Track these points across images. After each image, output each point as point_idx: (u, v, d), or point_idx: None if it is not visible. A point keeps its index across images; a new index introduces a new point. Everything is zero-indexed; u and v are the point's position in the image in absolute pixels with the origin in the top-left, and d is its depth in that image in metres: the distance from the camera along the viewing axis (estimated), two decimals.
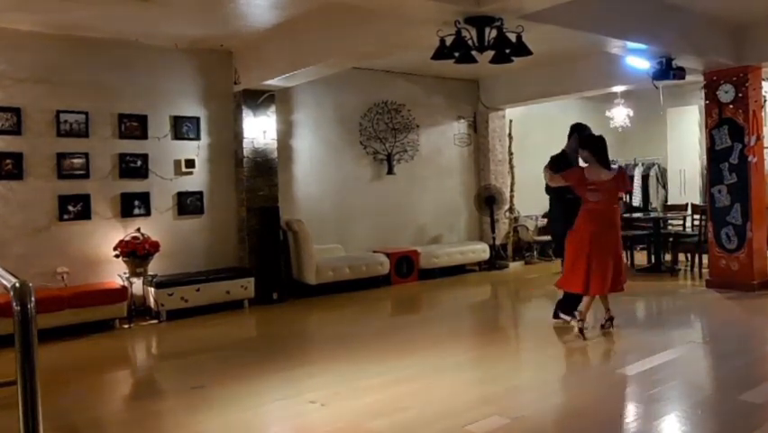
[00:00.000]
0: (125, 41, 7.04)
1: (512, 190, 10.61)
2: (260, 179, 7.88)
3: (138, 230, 6.91)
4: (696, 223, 8.84)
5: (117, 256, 6.71)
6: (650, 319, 6.89)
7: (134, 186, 7.17)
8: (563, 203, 5.74)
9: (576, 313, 5.49)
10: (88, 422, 4.01)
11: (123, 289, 6.61)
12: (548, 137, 10.55)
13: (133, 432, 3.89)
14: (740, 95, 7.28)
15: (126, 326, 6.60)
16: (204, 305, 7.07)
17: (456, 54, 4.96)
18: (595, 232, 5.33)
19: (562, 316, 5.85)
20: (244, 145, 7.76)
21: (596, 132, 5.94)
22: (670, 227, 10.04)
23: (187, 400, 4.32)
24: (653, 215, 9.92)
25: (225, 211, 7.87)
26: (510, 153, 10.65)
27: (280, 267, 7.92)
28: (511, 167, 10.65)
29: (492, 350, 5.44)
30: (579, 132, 5.91)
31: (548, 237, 10.61)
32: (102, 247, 6.84)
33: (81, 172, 6.81)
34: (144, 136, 7.22)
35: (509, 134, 10.66)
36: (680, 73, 6.84)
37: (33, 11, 5.96)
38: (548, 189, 5.95)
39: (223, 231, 7.85)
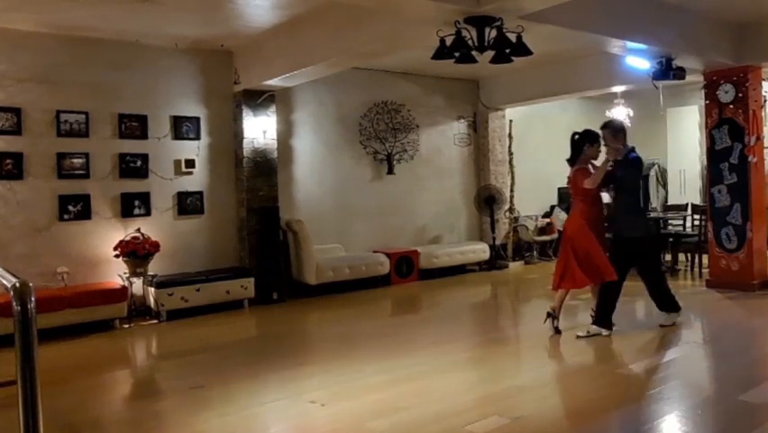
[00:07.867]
0: (125, 41, 7.04)
1: (512, 190, 10.61)
2: (260, 179, 7.88)
3: (138, 230, 6.91)
4: (696, 223, 8.82)
5: (117, 256, 6.71)
6: (650, 319, 6.85)
7: (134, 186, 7.17)
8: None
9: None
10: (88, 422, 4.02)
11: (123, 289, 6.61)
12: (548, 137, 10.63)
13: (133, 432, 3.90)
14: (740, 95, 7.27)
15: (126, 325, 6.61)
16: (204, 305, 7.07)
17: (456, 54, 4.97)
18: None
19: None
20: (244, 145, 7.76)
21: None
22: (670, 227, 10.03)
23: (187, 400, 4.32)
24: (653, 215, 9.90)
25: (225, 211, 7.88)
26: (510, 153, 10.65)
27: (280, 267, 7.92)
28: (511, 167, 10.66)
29: (492, 350, 5.44)
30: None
31: (548, 237, 10.64)
32: (102, 247, 6.85)
33: (81, 172, 6.81)
34: (144, 136, 7.23)
35: (509, 134, 10.66)
36: (680, 73, 6.84)
37: (33, 11, 5.96)
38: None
39: (223, 231, 7.85)
